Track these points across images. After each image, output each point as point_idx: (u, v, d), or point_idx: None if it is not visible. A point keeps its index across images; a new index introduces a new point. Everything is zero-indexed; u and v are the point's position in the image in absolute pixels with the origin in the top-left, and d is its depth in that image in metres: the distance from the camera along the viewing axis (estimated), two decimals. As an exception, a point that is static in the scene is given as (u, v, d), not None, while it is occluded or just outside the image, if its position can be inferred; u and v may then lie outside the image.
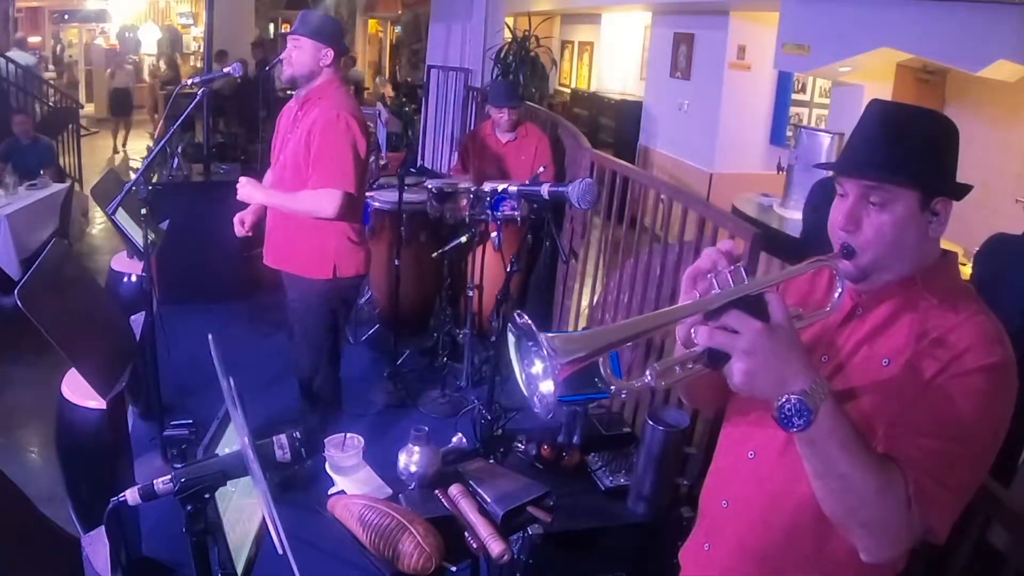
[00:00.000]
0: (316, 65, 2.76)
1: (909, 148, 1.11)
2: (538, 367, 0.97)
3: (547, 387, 0.97)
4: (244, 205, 2.94)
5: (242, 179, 2.80)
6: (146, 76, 13.49)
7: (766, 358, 0.95)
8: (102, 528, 2.11)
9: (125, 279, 3.82)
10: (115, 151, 10.38)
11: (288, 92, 3.13)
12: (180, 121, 2.93)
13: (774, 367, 0.96)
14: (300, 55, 2.74)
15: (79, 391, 2.49)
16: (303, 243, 2.83)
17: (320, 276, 2.84)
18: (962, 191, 1.16)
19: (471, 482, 1.94)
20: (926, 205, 1.12)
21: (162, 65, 12.97)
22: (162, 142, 2.89)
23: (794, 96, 6.93)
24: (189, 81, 2.92)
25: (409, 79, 12.82)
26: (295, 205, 2.77)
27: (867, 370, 1.15)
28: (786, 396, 0.96)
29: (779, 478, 1.20)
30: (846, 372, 1.17)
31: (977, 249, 2.94)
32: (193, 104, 2.82)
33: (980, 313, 1.13)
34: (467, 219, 3.68)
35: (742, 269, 1.03)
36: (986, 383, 1.06)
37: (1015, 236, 2.78)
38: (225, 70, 2.87)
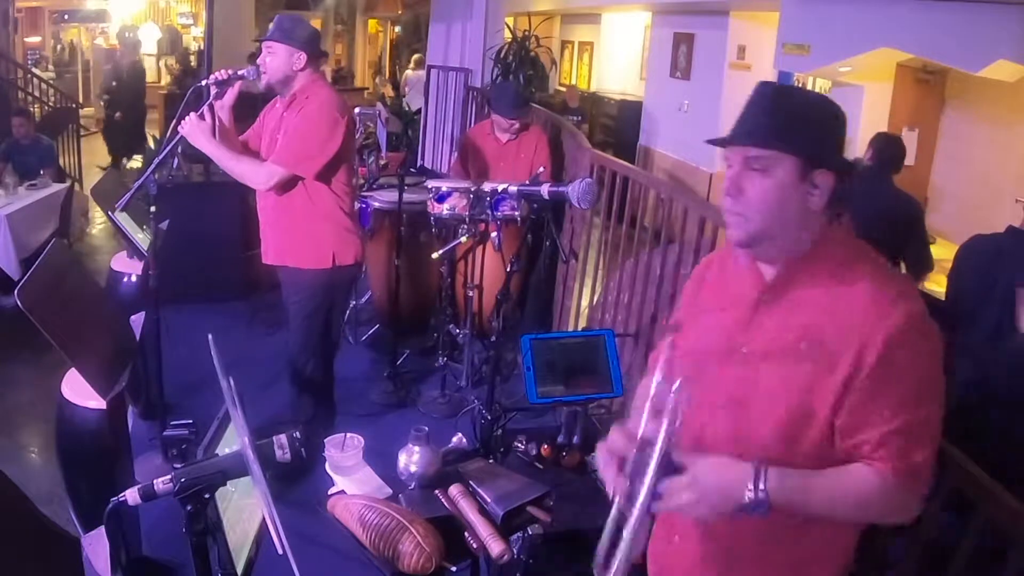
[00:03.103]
0: (289, 69, 2.75)
1: (786, 118, 1.18)
2: None
3: None
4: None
5: (192, 115, 2.67)
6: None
7: (709, 497, 1.13)
8: (102, 528, 2.11)
9: (125, 279, 3.82)
10: None
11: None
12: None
13: (719, 497, 1.13)
14: (273, 60, 2.73)
15: (79, 391, 2.49)
16: (300, 236, 2.85)
17: (321, 266, 2.86)
18: (846, 166, 1.22)
19: (471, 482, 1.94)
20: (806, 174, 1.17)
21: (176, 64, 12.97)
22: (172, 143, 2.85)
23: (794, 96, 6.92)
24: (204, 82, 2.83)
25: (409, 79, 12.80)
26: (234, 165, 2.74)
27: (785, 356, 1.21)
28: (740, 504, 1.13)
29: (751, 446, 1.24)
30: (766, 360, 1.23)
31: (956, 252, 2.97)
32: (204, 104, 2.77)
33: (866, 278, 1.18)
34: (467, 219, 3.68)
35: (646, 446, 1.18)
36: (899, 350, 1.12)
37: (995, 235, 2.82)
38: (240, 72, 2.75)
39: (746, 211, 1.20)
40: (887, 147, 3.60)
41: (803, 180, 1.17)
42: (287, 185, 2.77)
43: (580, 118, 8.38)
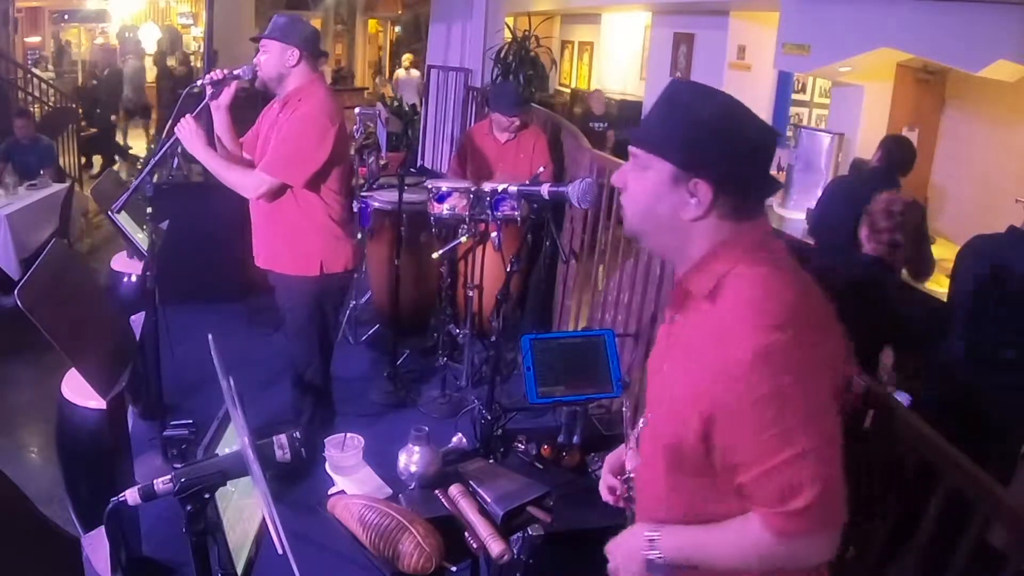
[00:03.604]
0: (283, 67, 2.71)
1: (670, 121, 1.14)
2: None
3: None
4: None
5: (190, 119, 2.66)
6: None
7: (625, 563, 1.26)
8: (102, 528, 2.11)
9: (125, 279, 3.82)
10: None
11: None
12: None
13: (631, 563, 1.24)
14: (268, 58, 2.71)
15: (79, 391, 2.49)
16: (288, 242, 2.82)
17: (308, 274, 2.83)
18: (731, 181, 1.12)
19: (471, 482, 1.94)
20: (680, 180, 1.13)
21: (177, 65, 13.01)
22: (168, 143, 2.84)
23: (794, 96, 6.93)
24: (199, 82, 2.77)
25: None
26: (225, 173, 2.73)
27: (674, 380, 1.19)
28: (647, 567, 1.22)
29: (651, 466, 1.26)
30: (666, 383, 1.22)
31: (958, 252, 2.98)
32: (200, 105, 2.76)
33: (731, 302, 1.11)
34: (467, 219, 3.69)
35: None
36: (748, 389, 1.05)
37: (997, 235, 2.83)
38: (236, 72, 2.73)
39: (625, 204, 1.21)
40: (897, 149, 3.62)
41: (676, 186, 1.13)
42: (277, 192, 2.74)
43: (606, 125, 7.63)
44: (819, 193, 4.99)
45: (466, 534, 1.78)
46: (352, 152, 4.61)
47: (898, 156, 3.59)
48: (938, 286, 3.43)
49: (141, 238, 3.23)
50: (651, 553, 1.20)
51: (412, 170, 5.71)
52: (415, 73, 11.82)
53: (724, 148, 1.12)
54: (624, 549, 1.26)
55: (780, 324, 1.06)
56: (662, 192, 1.14)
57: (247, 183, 2.72)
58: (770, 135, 1.16)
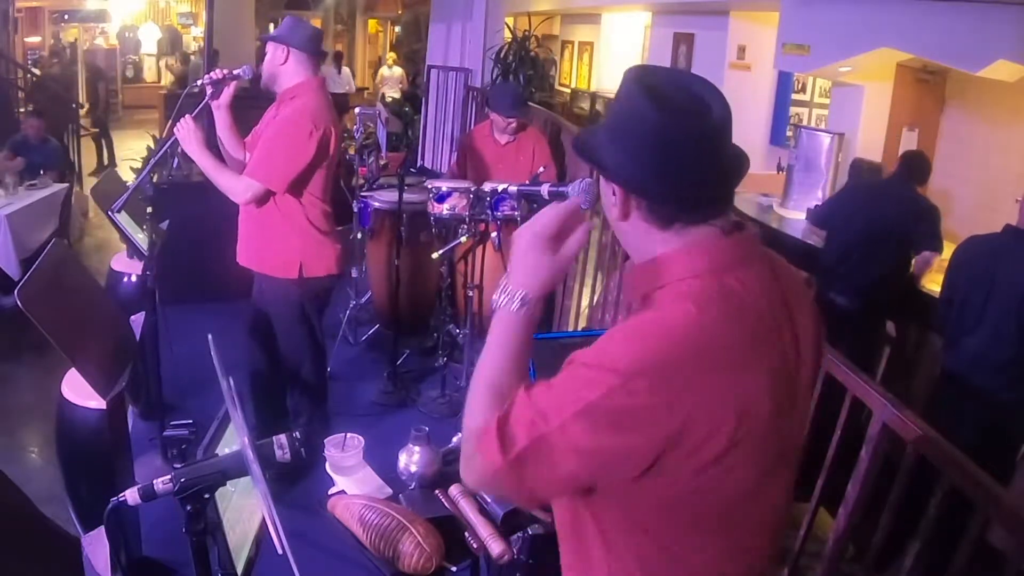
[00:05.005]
0: (273, 67, 2.72)
1: (607, 117, 1.06)
2: None
3: None
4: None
5: (189, 119, 2.68)
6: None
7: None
8: (102, 528, 2.11)
9: (125, 279, 3.82)
10: None
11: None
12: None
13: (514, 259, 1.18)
14: (267, 58, 2.75)
15: (79, 391, 2.49)
16: (269, 243, 2.81)
17: (287, 276, 2.81)
18: (636, 186, 1.01)
19: (471, 482, 1.94)
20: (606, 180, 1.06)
21: (177, 63, 13.05)
22: (166, 144, 2.84)
23: (794, 96, 6.93)
24: (199, 82, 2.76)
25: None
26: (217, 176, 2.73)
27: None
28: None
29: None
30: None
31: (953, 251, 2.99)
32: (200, 106, 2.76)
33: (633, 317, 1.05)
34: (467, 219, 3.69)
35: None
36: (574, 357, 1.09)
37: (992, 235, 2.85)
38: (235, 71, 2.74)
39: None
40: (916, 164, 3.85)
41: (606, 184, 1.05)
42: (264, 197, 2.74)
43: None
44: (819, 193, 4.99)
45: (466, 534, 1.78)
46: (352, 152, 4.62)
47: (917, 169, 3.82)
48: (936, 285, 3.44)
49: (141, 238, 3.23)
50: (498, 291, 1.18)
51: (412, 170, 5.70)
52: (397, 70, 12.66)
53: (636, 149, 0.99)
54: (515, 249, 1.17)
55: (634, 366, 0.97)
56: (605, 187, 1.06)
57: (236, 188, 2.71)
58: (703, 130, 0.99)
